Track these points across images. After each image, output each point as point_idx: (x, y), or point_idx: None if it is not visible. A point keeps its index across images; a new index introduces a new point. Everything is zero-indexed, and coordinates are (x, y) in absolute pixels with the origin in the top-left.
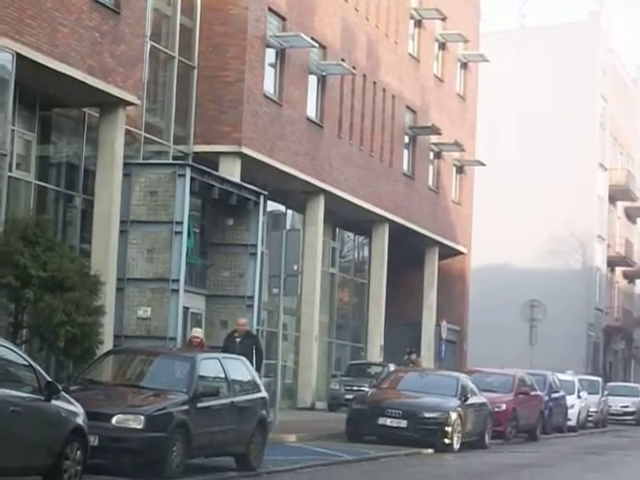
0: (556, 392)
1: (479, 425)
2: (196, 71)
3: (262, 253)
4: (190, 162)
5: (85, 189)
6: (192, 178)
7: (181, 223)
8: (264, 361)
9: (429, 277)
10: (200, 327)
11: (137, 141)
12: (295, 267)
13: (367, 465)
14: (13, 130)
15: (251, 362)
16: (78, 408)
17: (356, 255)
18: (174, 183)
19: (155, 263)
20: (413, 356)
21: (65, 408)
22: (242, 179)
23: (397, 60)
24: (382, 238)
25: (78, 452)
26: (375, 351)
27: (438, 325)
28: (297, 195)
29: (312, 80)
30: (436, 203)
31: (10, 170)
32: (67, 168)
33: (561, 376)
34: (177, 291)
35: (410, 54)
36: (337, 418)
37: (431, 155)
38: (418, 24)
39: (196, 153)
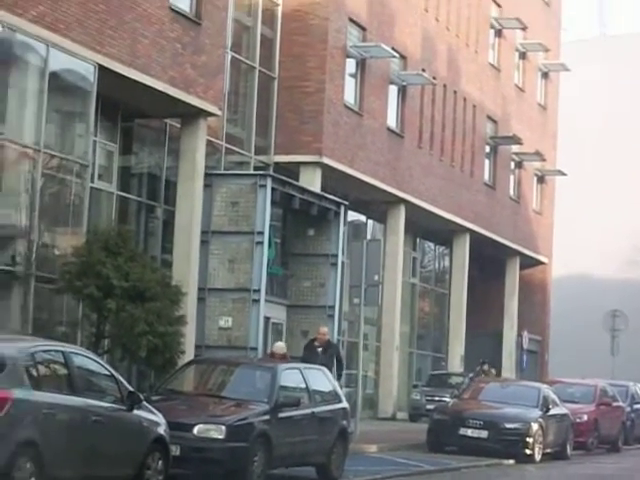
0: (638, 403)
1: (561, 436)
2: (277, 81)
3: (343, 263)
4: (271, 172)
5: (166, 200)
6: (273, 188)
7: (262, 233)
8: (345, 371)
9: (510, 287)
10: (281, 338)
11: (218, 152)
12: (376, 277)
13: (448, 476)
14: (95, 141)
15: (332, 372)
16: (160, 418)
17: (437, 265)
18: (255, 193)
19: (236, 273)
20: (485, 366)
21: (147, 418)
22: (323, 189)
23: (478, 70)
24: (463, 248)
25: (160, 462)
26: (456, 361)
27: (519, 335)
28: (378, 205)
29: (392, 90)
30: (517, 213)
31: (92, 181)
32: (148, 178)
33: None
34: (258, 301)
35: (491, 63)
36: (418, 428)
37: (512, 165)
38: (498, 33)
39: (277, 163)
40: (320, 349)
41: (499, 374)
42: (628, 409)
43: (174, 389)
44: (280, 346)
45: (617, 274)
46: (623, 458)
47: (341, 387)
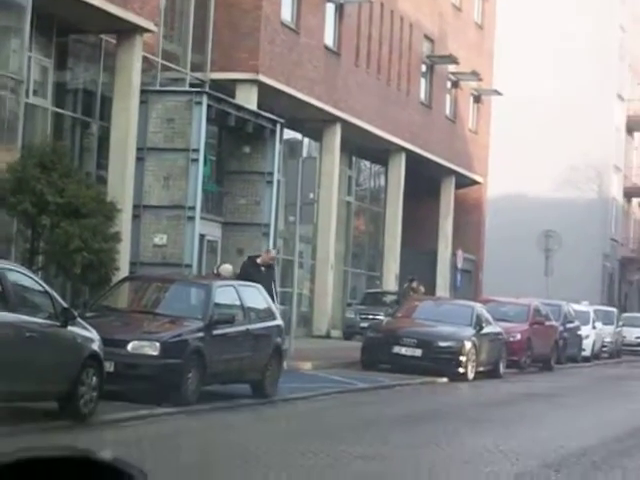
0: (571, 322)
1: (494, 354)
2: None
3: (278, 181)
4: (207, 89)
5: (102, 116)
6: (209, 106)
7: (197, 151)
8: (278, 289)
9: (445, 206)
10: (216, 256)
11: (154, 68)
12: (311, 195)
13: (382, 393)
14: (30, 57)
15: (271, 292)
16: (94, 334)
17: (372, 184)
18: (190, 110)
19: (171, 190)
20: (414, 284)
21: (81, 334)
22: (259, 107)
23: None
24: (398, 167)
25: (94, 378)
26: (390, 280)
27: (454, 254)
28: (314, 123)
29: (330, 8)
30: (453, 132)
31: (27, 96)
32: (84, 94)
33: (576, 306)
34: (193, 218)
35: None
36: (352, 346)
37: (448, 84)
38: None
39: (213, 80)
40: (263, 268)
41: (432, 292)
42: (561, 328)
43: (108, 306)
44: (227, 269)
45: (552, 194)
46: (555, 377)
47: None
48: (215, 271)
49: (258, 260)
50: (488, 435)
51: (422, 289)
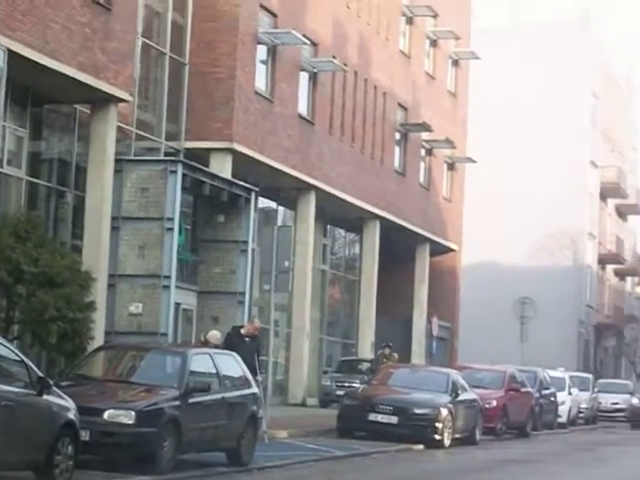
0: (547, 389)
1: (470, 421)
2: (187, 68)
3: (253, 250)
4: (181, 158)
5: (77, 185)
6: (183, 174)
7: (172, 219)
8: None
9: (420, 274)
10: (192, 325)
11: (128, 137)
12: (286, 263)
13: (358, 461)
14: (4, 126)
15: (254, 363)
16: (69, 403)
17: (347, 252)
18: (165, 179)
19: (146, 259)
20: (387, 350)
21: (56, 403)
22: (233, 176)
23: (388, 57)
24: (373, 235)
25: (69, 447)
26: (366, 347)
27: (429, 322)
28: (288, 192)
29: (303, 77)
30: (427, 200)
31: (1, 166)
32: (58, 164)
33: (552, 373)
34: (168, 287)
35: (401, 51)
36: (328, 414)
37: (422, 152)
38: (409, 21)
39: (187, 149)
40: (247, 339)
41: (407, 359)
42: (537, 395)
43: (84, 374)
44: (215, 335)
45: (526, 261)
46: (531, 443)
47: (261, 381)
48: (202, 339)
49: (242, 331)
50: None
51: (396, 356)
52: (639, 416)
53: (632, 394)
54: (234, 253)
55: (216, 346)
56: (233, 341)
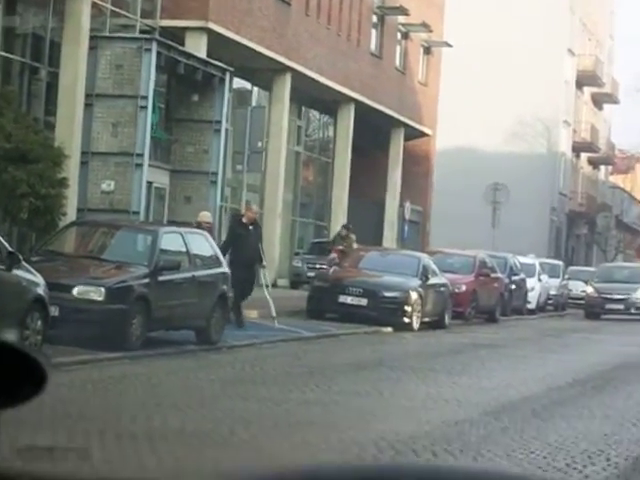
0: (517, 275)
1: (439, 305)
2: None
3: (227, 130)
4: (156, 36)
5: (51, 61)
6: (158, 53)
7: (146, 98)
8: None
9: (394, 158)
10: (164, 203)
11: (103, 14)
12: (259, 144)
13: (326, 342)
14: None
15: (259, 251)
16: (39, 279)
17: (321, 134)
18: (140, 57)
19: (120, 137)
20: (344, 231)
21: (26, 278)
22: (208, 55)
23: None
24: (347, 118)
25: (39, 322)
26: (338, 229)
27: (401, 205)
28: (263, 73)
29: None
30: (403, 84)
31: None
32: (33, 39)
33: (522, 259)
34: (141, 165)
35: None
36: (299, 296)
37: (399, 36)
38: None
39: (163, 28)
40: (251, 227)
41: (379, 243)
42: (506, 280)
43: (54, 250)
44: (207, 215)
45: (501, 147)
46: (499, 328)
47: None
48: (195, 223)
49: (244, 219)
50: (431, 384)
51: (353, 237)
52: (594, 306)
53: (586, 282)
54: (207, 133)
55: (208, 227)
56: (237, 232)
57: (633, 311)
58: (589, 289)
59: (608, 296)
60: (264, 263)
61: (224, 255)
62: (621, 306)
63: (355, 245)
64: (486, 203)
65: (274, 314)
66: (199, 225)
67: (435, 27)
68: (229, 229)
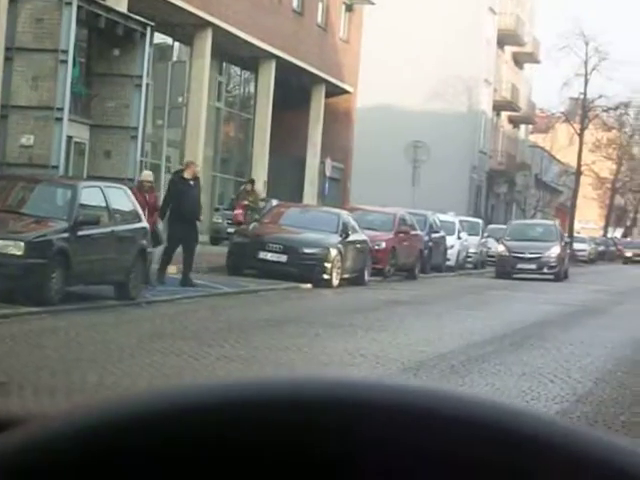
0: (436, 232)
1: (359, 262)
2: None
3: (147, 85)
4: None
5: None
6: (79, 7)
7: (66, 52)
8: None
9: (314, 115)
10: (84, 157)
11: None
12: (180, 99)
13: (246, 298)
14: None
15: (199, 206)
16: None
17: (242, 90)
18: (60, 11)
19: (39, 91)
20: (249, 186)
21: None
22: (129, 10)
23: None
24: (268, 74)
25: None
26: (259, 186)
27: (322, 162)
28: (184, 28)
29: None
30: (324, 41)
31: None
32: None
33: (442, 217)
34: (61, 120)
35: None
36: (219, 251)
37: None
38: None
39: None
40: (192, 182)
41: (300, 200)
42: (426, 238)
43: None
44: (149, 174)
45: (422, 106)
46: (418, 285)
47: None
48: (137, 182)
49: (185, 175)
50: (350, 340)
51: (259, 192)
52: (505, 266)
53: (498, 240)
54: (128, 88)
55: (151, 186)
56: (179, 187)
57: (546, 271)
58: (500, 247)
59: (520, 255)
60: (201, 218)
61: (165, 211)
62: (533, 265)
63: (262, 200)
64: (407, 161)
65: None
66: (141, 184)
67: None
68: (169, 184)
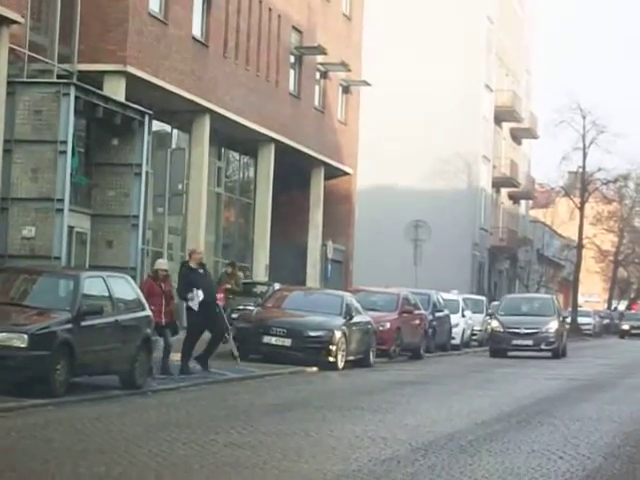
0: (440, 311)
1: (363, 344)
2: None
3: (147, 173)
4: (74, 81)
5: None
6: (76, 97)
7: (65, 142)
8: None
9: (315, 197)
10: (86, 248)
11: (21, 60)
12: (180, 186)
13: (252, 383)
14: None
15: (215, 291)
16: None
17: (242, 175)
18: (58, 102)
19: (40, 183)
20: (229, 269)
21: None
22: (127, 99)
23: None
24: (268, 158)
25: None
26: (260, 270)
27: (324, 245)
28: (182, 115)
29: None
30: (322, 123)
31: None
32: None
33: (445, 295)
34: (62, 210)
35: None
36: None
37: (317, 75)
38: None
39: (80, 72)
40: (201, 271)
41: (303, 283)
42: (430, 317)
43: None
44: (164, 263)
45: (421, 185)
46: (424, 365)
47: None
48: (151, 273)
49: (192, 264)
50: (357, 422)
51: (241, 275)
52: (499, 342)
53: (491, 315)
54: (128, 176)
55: (166, 275)
56: (191, 277)
57: (543, 347)
58: (494, 323)
59: (515, 330)
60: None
61: (185, 297)
62: (530, 341)
63: (241, 282)
64: (407, 241)
65: (236, 353)
66: (156, 274)
67: (353, 66)
68: (181, 276)
